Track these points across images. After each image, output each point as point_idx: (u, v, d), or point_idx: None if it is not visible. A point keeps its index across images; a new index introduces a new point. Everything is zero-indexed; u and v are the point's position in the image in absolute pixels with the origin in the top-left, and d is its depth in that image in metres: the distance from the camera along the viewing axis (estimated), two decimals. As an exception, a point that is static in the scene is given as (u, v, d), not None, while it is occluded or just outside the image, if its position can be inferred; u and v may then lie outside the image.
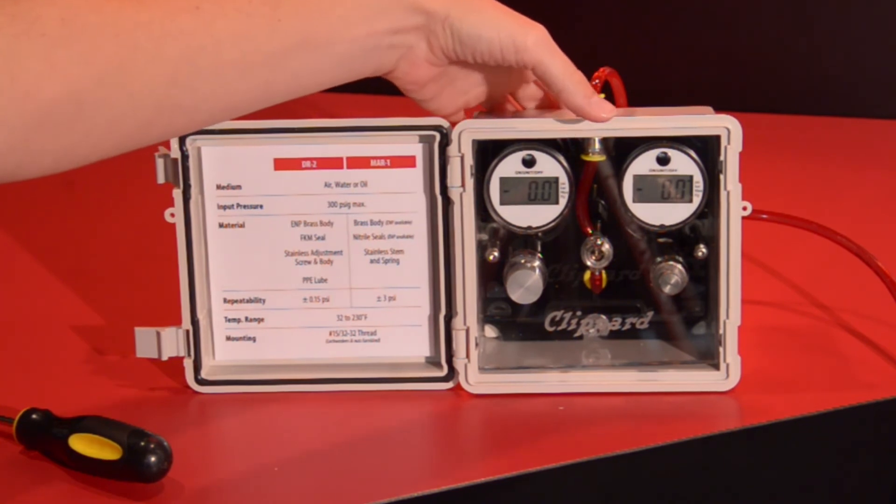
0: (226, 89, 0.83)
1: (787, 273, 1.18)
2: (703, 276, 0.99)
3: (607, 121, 0.92)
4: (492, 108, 0.99)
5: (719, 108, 0.97)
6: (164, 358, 0.99)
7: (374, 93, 1.66)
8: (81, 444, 0.86)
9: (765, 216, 0.99)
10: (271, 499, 0.86)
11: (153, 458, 0.84)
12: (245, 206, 0.99)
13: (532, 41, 0.90)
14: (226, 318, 1.00)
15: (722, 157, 0.94)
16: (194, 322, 0.99)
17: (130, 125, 0.81)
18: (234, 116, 0.86)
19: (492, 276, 1.00)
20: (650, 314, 1.00)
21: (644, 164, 0.96)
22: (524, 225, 0.97)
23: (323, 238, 0.99)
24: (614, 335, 1.01)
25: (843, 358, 1.02)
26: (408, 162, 0.98)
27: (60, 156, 0.79)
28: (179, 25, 0.81)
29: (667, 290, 0.97)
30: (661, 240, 0.99)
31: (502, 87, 0.98)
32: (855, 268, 1.05)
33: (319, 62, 0.87)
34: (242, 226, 0.99)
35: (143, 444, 0.84)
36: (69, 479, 0.87)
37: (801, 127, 1.66)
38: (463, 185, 0.96)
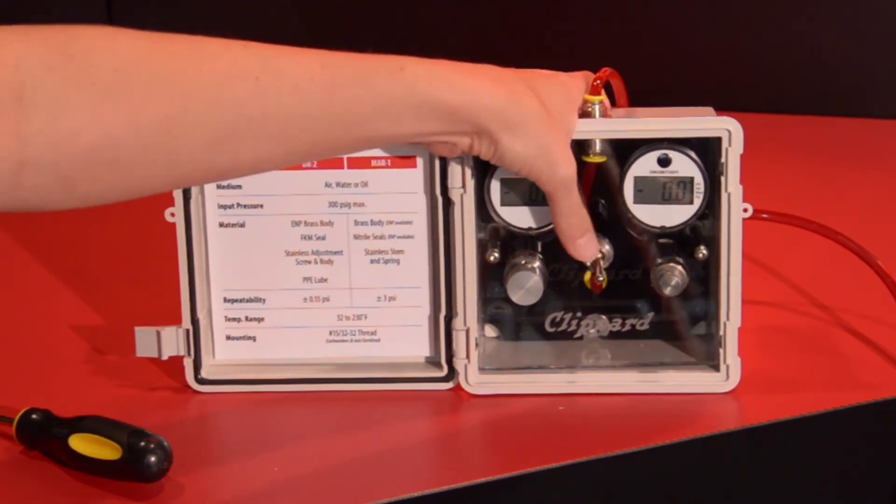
0: (264, 156, 0.83)
1: (787, 273, 1.18)
2: (704, 277, 0.99)
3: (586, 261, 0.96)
4: None
5: (719, 108, 0.97)
6: (164, 357, 0.99)
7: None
8: (81, 444, 0.86)
9: (765, 216, 0.99)
10: (271, 499, 0.86)
11: (153, 458, 0.84)
12: (245, 206, 0.99)
13: (559, 179, 0.91)
14: (226, 317, 1.00)
15: (723, 159, 0.94)
16: (194, 321, 0.99)
17: (164, 180, 0.80)
18: (263, 172, 0.86)
19: (492, 277, 1.00)
20: (650, 315, 1.00)
21: (645, 165, 0.96)
22: (525, 226, 0.97)
23: (323, 238, 0.99)
24: (614, 336, 1.01)
25: (843, 358, 1.02)
26: (408, 162, 0.98)
27: (88, 197, 0.78)
28: (234, 94, 0.80)
29: (667, 291, 0.97)
30: (661, 241, 0.99)
31: None
32: (855, 268, 1.05)
33: (362, 145, 0.87)
34: (243, 225, 0.99)
35: (143, 444, 0.84)
36: (69, 479, 0.87)
37: (801, 127, 1.66)
38: (463, 186, 0.96)
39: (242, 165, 0.83)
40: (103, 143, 0.76)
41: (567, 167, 0.91)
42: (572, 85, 0.95)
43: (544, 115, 0.90)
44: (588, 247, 0.95)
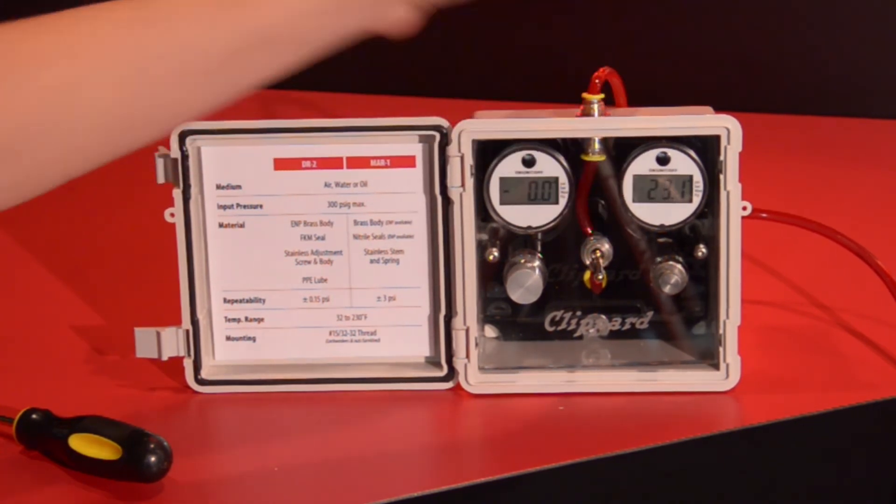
0: (189, 95, 0.81)
1: (787, 273, 1.18)
2: (703, 275, 0.99)
3: None
4: None
5: (719, 108, 0.97)
6: (164, 358, 0.99)
7: (374, 93, 1.66)
8: (81, 443, 0.86)
9: (765, 215, 0.99)
10: (271, 499, 0.86)
11: (153, 458, 0.84)
12: (245, 206, 0.99)
13: None
14: (225, 317, 1.00)
15: (722, 157, 0.94)
16: (194, 322, 0.99)
17: (92, 144, 0.78)
18: (201, 117, 0.83)
19: (491, 276, 1.00)
20: (650, 314, 1.00)
21: (644, 163, 0.96)
22: (524, 225, 0.97)
23: (323, 238, 0.99)
24: (614, 335, 1.01)
25: (843, 358, 1.02)
26: (408, 162, 0.98)
27: (17, 187, 0.77)
28: (135, 38, 0.78)
29: (667, 289, 0.98)
30: (660, 240, 0.99)
31: None
32: (855, 268, 1.05)
33: (283, 56, 0.83)
34: (242, 226, 0.99)
35: (143, 444, 0.84)
36: (69, 479, 0.87)
37: (801, 127, 1.66)
38: (463, 185, 0.96)
39: (169, 109, 0.80)
40: (11, 125, 0.74)
41: None
42: None
43: None
44: None
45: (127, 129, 0.79)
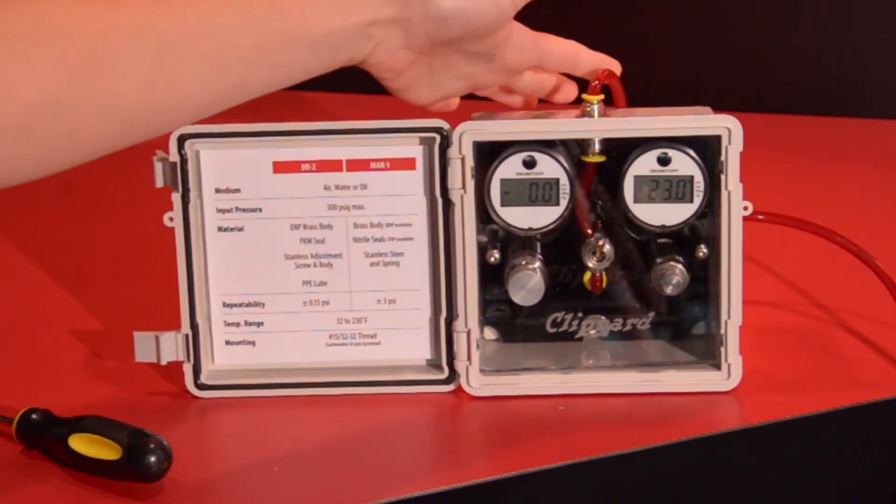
0: (201, 85, 0.83)
1: (787, 273, 1.18)
2: (704, 276, 0.99)
3: None
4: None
5: (719, 108, 0.97)
6: (164, 363, 0.99)
7: (374, 93, 1.66)
8: (81, 443, 0.86)
9: (761, 217, 0.99)
10: (271, 499, 0.86)
11: (153, 458, 0.84)
12: (244, 210, 0.99)
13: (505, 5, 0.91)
14: (225, 322, 1.00)
15: (722, 158, 0.94)
16: (193, 326, 0.99)
17: (110, 126, 0.80)
18: (212, 114, 0.86)
19: (491, 278, 1.00)
20: (651, 315, 1.00)
21: (644, 164, 0.96)
22: (525, 226, 0.97)
23: (322, 241, 0.99)
24: (615, 336, 1.01)
25: (843, 358, 1.02)
26: (408, 164, 0.98)
27: (42, 160, 0.78)
28: (151, 21, 0.80)
29: (668, 290, 0.97)
30: (661, 240, 0.99)
31: (482, 80, 0.98)
32: (855, 268, 1.05)
33: (294, 55, 0.86)
34: (241, 229, 0.99)
35: (142, 443, 0.84)
36: (69, 479, 0.87)
37: (802, 127, 1.66)
38: (464, 187, 0.96)
39: (182, 99, 0.82)
40: (41, 96, 0.76)
41: None
42: None
43: None
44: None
45: (154, 110, 0.81)
